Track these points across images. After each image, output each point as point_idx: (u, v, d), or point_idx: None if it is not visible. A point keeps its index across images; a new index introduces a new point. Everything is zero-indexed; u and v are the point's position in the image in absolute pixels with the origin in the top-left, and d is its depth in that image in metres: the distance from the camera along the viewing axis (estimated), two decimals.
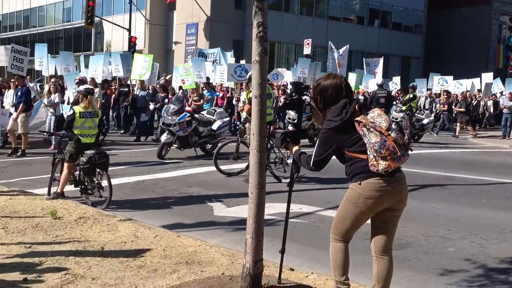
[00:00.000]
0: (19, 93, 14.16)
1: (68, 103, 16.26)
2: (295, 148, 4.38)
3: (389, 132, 3.85)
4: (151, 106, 18.98)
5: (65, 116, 16.35)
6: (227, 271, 5.26)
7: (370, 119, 3.90)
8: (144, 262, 5.48)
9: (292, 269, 5.32)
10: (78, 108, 8.76)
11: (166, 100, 18.28)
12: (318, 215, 8.27)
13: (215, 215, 8.29)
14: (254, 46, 4.24)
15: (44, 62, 22.06)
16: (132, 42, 35.87)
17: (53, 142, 14.93)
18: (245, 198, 9.05)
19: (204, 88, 20.44)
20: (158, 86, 19.86)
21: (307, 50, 34.36)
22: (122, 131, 20.27)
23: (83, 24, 38.13)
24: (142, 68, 19.83)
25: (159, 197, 9.49)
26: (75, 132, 8.68)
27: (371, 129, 3.85)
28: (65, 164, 8.69)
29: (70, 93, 16.86)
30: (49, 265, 5.26)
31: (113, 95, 20.56)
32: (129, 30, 37.77)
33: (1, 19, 59.19)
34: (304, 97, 4.57)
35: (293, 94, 4.61)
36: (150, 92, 19.64)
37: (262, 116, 4.31)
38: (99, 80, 19.53)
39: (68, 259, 5.47)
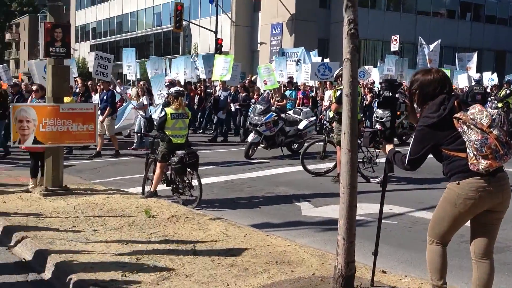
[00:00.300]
0: (104, 97, 14.75)
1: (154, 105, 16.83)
2: (389, 147, 4.26)
3: (491, 130, 3.66)
4: (232, 107, 19.14)
5: (154, 117, 16.93)
6: (317, 271, 5.21)
7: (470, 115, 3.72)
8: (235, 260, 5.54)
9: (384, 272, 5.19)
10: (169, 110, 9.02)
11: (253, 101, 18.42)
12: (410, 216, 8.03)
13: (303, 215, 8.26)
14: (345, 43, 4.16)
15: (132, 66, 22.86)
16: (218, 44, 36.53)
17: (134, 143, 15.44)
18: (333, 198, 9.02)
19: (287, 88, 20.40)
20: (239, 86, 19.98)
21: (394, 46, 33.53)
22: (201, 131, 20.79)
23: (172, 28, 39.31)
24: (223, 69, 20.07)
25: (247, 197, 9.59)
26: (167, 133, 8.94)
27: (471, 126, 3.67)
28: (158, 164, 8.97)
29: (155, 95, 17.36)
30: (145, 262, 5.44)
31: (196, 97, 21.09)
32: (215, 32, 38.51)
33: (96, 25, 62.19)
34: (397, 95, 4.44)
35: (385, 91, 4.49)
36: (232, 92, 19.82)
37: (354, 115, 4.23)
38: (181, 82, 20.02)
39: (163, 256, 5.63)
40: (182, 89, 10.57)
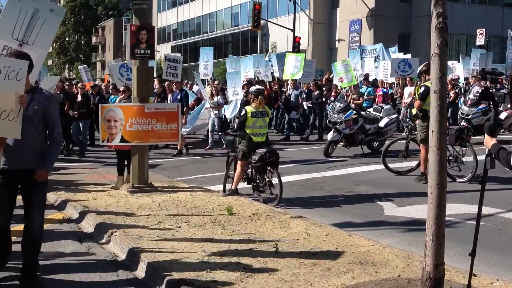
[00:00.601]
0: (178, 97, 14.83)
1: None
2: (492, 142, 4.04)
3: None
4: (305, 105, 18.95)
5: (228, 114, 17.08)
6: (403, 273, 5.08)
7: None
8: (317, 259, 5.50)
9: (474, 275, 4.98)
10: (249, 108, 9.09)
11: (332, 99, 18.22)
12: (500, 218, 7.68)
13: (386, 214, 8.08)
14: (433, 38, 4.03)
15: (209, 65, 23.12)
16: (296, 42, 36.48)
17: (209, 143, 15.59)
18: (417, 198, 8.77)
19: (363, 85, 19.99)
20: (312, 84, 19.71)
21: (480, 40, 32.15)
22: (275, 131, 20.71)
23: (250, 28, 39.67)
24: (294, 67, 19.90)
25: (327, 195, 9.51)
26: (247, 131, 9.02)
27: None
28: (238, 162, 9.07)
29: (230, 92, 17.47)
30: (229, 259, 5.51)
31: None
32: (293, 30, 38.49)
33: (177, 27, 63.83)
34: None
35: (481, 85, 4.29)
36: (305, 90, 19.60)
37: (442, 112, 4.09)
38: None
39: (245, 254, 5.69)
40: (262, 87, 10.63)
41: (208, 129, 16.38)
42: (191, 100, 17.90)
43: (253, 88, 9.62)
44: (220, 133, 13.20)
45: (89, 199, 8.53)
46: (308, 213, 7.95)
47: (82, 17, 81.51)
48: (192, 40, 59.46)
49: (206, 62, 23.27)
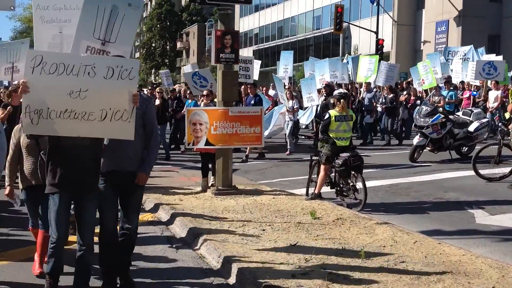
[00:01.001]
0: (252, 102, 14.63)
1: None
2: None
3: None
4: (379, 108, 18.41)
5: (303, 120, 16.90)
6: (497, 284, 4.84)
7: None
8: (405, 267, 5.35)
9: None
10: (333, 112, 9.00)
11: (419, 102, 17.64)
12: None
13: (477, 223, 7.73)
14: None
15: (289, 68, 22.99)
16: (379, 45, 35.80)
17: (288, 147, 15.45)
18: (511, 206, 8.33)
19: (445, 88, 19.17)
20: (385, 87, 19.08)
21: None
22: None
23: (332, 31, 39.33)
24: (368, 70, 19.40)
25: (414, 202, 9.23)
26: (331, 135, 8.93)
27: None
28: (322, 167, 8.99)
29: (304, 98, 17.23)
30: (314, 263, 5.47)
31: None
32: (376, 32, 37.80)
33: (258, 31, 64.45)
34: None
35: None
36: (377, 93, 18.98)
37: None
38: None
39: (330, 259, 5.62)
40: (346, 91, 10.49)
41: (285, 134, 16.30)
42: (265, 105, 17.75)
43: (336, 92, 9.52)
44: (304, 137, 13.11)
45: (176, 200, 8.74)
46: (394, 219, 7.75)
47: (168, 23, 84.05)
48: (273, 44, 59.79)
49: (286, 66, 23.19)
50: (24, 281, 5.39)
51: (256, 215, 7.74)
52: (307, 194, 9.30)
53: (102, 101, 4.47)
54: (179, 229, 7.25)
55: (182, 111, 14.97)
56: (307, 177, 9.61)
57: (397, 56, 40.81)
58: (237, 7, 63.02)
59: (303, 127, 19.12)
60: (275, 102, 19.99)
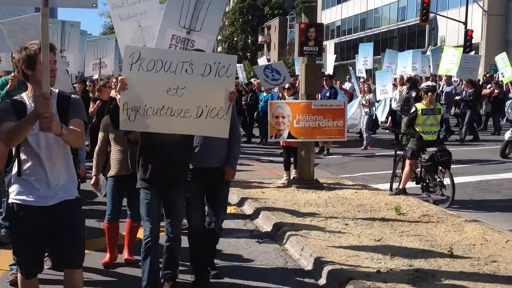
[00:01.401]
0: (327, 94, 14.38)
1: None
2: None
3: None
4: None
5: (379, 116, 16.40)
6: None
7: None
8: (497, 268, 5.12)
9: None
10: (420, 105, 8.74)
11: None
12: None
13: None
14: None
15: (369, 61, 22.40)
16: (468, 36, 34.34)
17: (364, 142, 15.06)
18: None
19: None
20: (465, 81, 18.08)
21: None
22: None
23: (417, 22, 38.16)
24: (451, 62, 18.41)
25: (505, 199, 8.83)
26: (417, 129, 8.68)
27: None
28: (407, 161, 8.77)
29: (378, 91, 16.72)
30: (399, 260, 5.34)
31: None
32: (465, 23, 36.27)
33: (340, 24, 63.66)
34: None
35: None
36: (457, 87, 17.97)
37: None
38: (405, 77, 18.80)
39: (417, 256, 5.47)
40: (434, 84, 10.15)
41: (361, 129, 15.96)
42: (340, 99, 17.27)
43: (423, 85, 9.24)
44: (389, 130, 12.79)
45: (258, 193, 8.81)
46: (484, 217, 7.44)
47: (250, 17, 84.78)
48: (356, 36, 58.82)
49: (365, 58, 22.60)
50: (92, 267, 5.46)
51: (338, 209, 7.66)
52: (391, 189, 9.10)
53: (198, 99, 4.40)
54: (261, 221, 7.30)
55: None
56: (391, 171, 9.40)
57: (487, 47, 39.03)
58: None
59: (380, 122, 18.57)
60: (351, 96, 19.64)
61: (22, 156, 3.49)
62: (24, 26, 6.26)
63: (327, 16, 65.69)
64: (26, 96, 3.54)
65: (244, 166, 11.96)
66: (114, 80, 8.74)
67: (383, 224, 6.84)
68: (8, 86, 6.72)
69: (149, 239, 4.61)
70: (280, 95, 13.21)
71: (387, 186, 9.35)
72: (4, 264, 5.33)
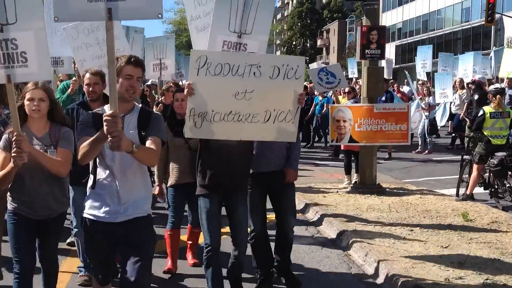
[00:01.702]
0: (383, 98, 13.50)
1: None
2: None
3: None
4: None
5: (438, 120, 15.86)
6: None
7: None
8: None
9: None
10: (488, 109, 8.46)
11: None
12: None
13: None
14: None
15: (428, 64, 21.74)
16: None
17: (419, 146, 14.57)
18: None
19: None
20: None
21: None
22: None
23: (482, 23, 36.97)
24: None
25: None
26: (485, 133, 8.41)
27: None
28: (474, 166, 8.49)
29: (437, 94, 16.16)
30: (468, 269, 5.16)
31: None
32: None
33: (402, 26, 62.49)
34: None
35: None
36: None
37: None
38: (468, 80, 18.06)
39: (486, 264, 5.28)
40: (502, 86, 9.81)
41: (418, 133, 15.50)
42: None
43: (492, 87, 8.94)
44: (454, 134, 12.40)
45: (320, 197, 8.74)
46: None
47: (308, 21, 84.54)
48: (418, 38, 57.61)
49: (424, 61, 21.97)
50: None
51: (402, 215, 7.50)
52: (457, 194, 8.84)
53: (267, 102, 4.28)
54: (324, 226, 7.23)
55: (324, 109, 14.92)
56: (457, 176, 9.14)
57: None
58: (381, 1, 61.65)
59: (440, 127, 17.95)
60: (409, 99, 19.18)
61: (98, 169, 3.50)
62: (86, 31, 6.33)
63: (388, 18, 64.68)
64: (107, 109, 3.43)
65: (303, 171, 11.92)
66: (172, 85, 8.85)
67: (450, 230, 6.64)
68: (69, 90, 6.80)
69: (210, 247, 4.47)
70: (334, 99, 13.05)
71: (453, 191, 9.09)
72: (73, 266, 5.47)
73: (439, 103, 15.99)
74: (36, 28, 3.59)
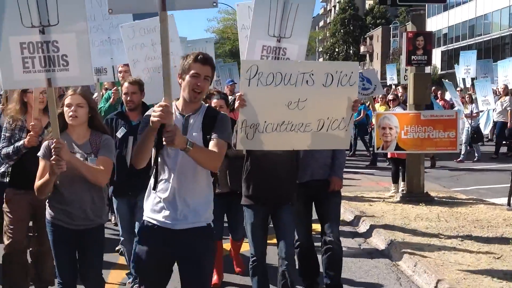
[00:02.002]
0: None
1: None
2: None
3: None
4: None
5: (482, 128, 15.39)
6: None
7: None
8: None
9: None
10: None
11: None
12: None
13: None
14: None
15: (471, 69, 21.15)
16: None
17: (461, 154, 14.11)
18: None
19: None
20: None
21: None
22: None
23: None
24: None
25: None
26: None
27: None
28: None
29: (479, 101, 15.69)
30: None
31: None
32: None
33: (447, 31, 61.38)
34: None
35: None
36: None
37: None
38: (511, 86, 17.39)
39: None
40: None
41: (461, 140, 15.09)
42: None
43: None
44: (474, 145, 12.06)
45: (366, 206, 8.64)
46: None
47: (351, 27, 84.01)
48: (464, 43, 56.49)
49: (467, 67, 21.38)
50: None
51: (452, 224, 7.33)
52: (509, 204, 8.57)
53: (320, 111, 4.17)
54: (371, 235, 7.14)
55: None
56: (508, 185, 8.85)
57: None
58: (426, 6, 60.68)
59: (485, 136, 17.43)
60: (451, 106, 18.74)
61: (160, 171, 3.26)
62: (142, 31, 6.32)
63: (433, 24, 63.65)
64: (175, 106, 3.30)
65: (348, 179, 11.81)
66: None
67: (502, 241, 6.45)
68: (111, 100, 6.67)
69: (255, 258, 4.41)
70: (370, 107, 12.77)
71: (504, 200, 8.82)
72: (118, 278, 5.53)
73: (482, 111, 15.61)
74: (78, 31, 3.47)
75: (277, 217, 4.48)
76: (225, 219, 5.62)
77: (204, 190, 3.30)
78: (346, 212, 8.36)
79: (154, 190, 3.25)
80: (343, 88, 4.17)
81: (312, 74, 4.14)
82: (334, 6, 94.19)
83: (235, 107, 4.25)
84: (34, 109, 4.39)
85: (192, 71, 3.18)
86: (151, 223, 3.28)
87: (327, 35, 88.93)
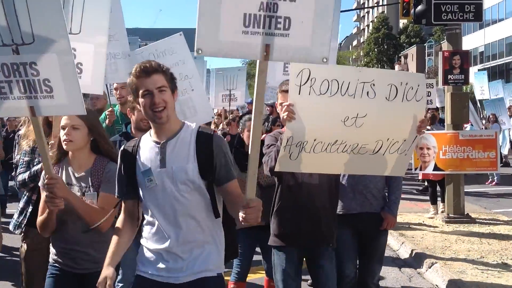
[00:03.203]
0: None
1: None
2: None
3: None
4: None
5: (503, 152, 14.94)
6: None
7: None
8: None
9: None
10: None
11: None
12: None
13: None
14: None
15: (485, 89, 20.74)
16: None
17: (495, 175, 13.74)
18: None
19: None
20: None
21: None
22: None
23: None
24: None
25: None
26: None
27: None
28: None
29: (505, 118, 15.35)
30: None
31: None
32: None
33: (484, 49, 60.50)
34: None
35: None
36: None
37: None
38: None
39: None
40: None
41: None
42: None
43: None
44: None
45: (405, 227, 8.50)
46: None
47: (385, 46, 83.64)
48: (501, 62, 55.59)
49: (482, 87, 20.90)
50: None
51: (494, 247, 7.15)
52: None
53: (380, 130, 3.43)
54: (411, 258, 7.01)
55: None
56: None
57: None
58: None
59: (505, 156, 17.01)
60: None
61: (145, 218, 2.77)
62: (152, 56, 5.93)
63: (469, 42, 62.90)
64: (148, 134, 2.81)
65: None
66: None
67: None
68: (107, 122, 5.72)
69: None
70: None
71: None
72: None
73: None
74: (97, 43, 3.34)
75: (315, 263, 3.82)
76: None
77: (212, 234, 2.74)
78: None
79: (147, 239, 2.76)
80: (408, 104, 3.42)
81: (373, 85, 3.38)
82: (368, 25, 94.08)
83: (281, 118, 3.46)
84: (54, 127, 3.65)
85: (141, 91, 2.65)
86: (145, 278, 2.74)
87: (361, 54, 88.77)
